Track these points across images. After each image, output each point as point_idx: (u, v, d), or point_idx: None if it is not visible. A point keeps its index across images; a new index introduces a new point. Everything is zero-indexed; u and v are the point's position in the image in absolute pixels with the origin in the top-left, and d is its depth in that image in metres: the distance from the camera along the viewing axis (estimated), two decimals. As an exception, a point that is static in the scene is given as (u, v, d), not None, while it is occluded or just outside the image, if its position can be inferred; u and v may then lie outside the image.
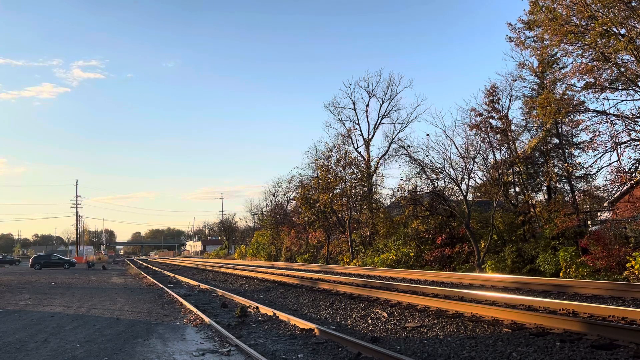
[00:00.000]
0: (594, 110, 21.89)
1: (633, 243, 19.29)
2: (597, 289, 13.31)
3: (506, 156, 27.73)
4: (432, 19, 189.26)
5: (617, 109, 21.39)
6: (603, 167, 22.42)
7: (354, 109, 44.78)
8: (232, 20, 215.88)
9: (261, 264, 47.55)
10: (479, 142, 28.49)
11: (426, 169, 30.59)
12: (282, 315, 12.15)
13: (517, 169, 27.48)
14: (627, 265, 17.03)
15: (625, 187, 22.22)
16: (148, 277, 32.10)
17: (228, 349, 8.86)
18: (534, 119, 25.66)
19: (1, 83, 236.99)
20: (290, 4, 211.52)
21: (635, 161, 21.06)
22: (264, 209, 74.36)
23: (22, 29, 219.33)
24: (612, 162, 21.77)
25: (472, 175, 29.62)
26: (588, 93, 21.53)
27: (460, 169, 29.08)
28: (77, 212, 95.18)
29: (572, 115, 23.11)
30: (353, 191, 41.39)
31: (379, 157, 42.51)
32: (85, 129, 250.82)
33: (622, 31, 18.90)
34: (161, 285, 24.31)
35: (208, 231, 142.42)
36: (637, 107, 21.15)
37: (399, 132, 42.61)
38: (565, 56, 22.75)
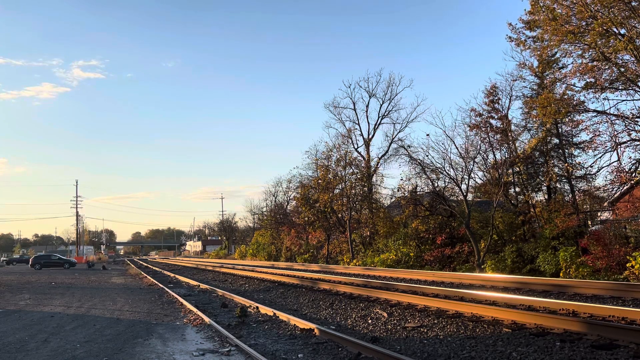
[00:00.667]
0: (594, 110, 21.90)
1: (633, 243, 19.29)
2: (597, 289, 13.31)
3: (506, 156, 27.74)
4: (432, 19, 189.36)
5: (617, 109, 21.42)
6: (603, 167, 22.45)
7: (354, 109, 44.84)
8: (232, 20, 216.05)
9: (261, 264, 47.55)
10: (479, 142, 28.54)
11: (426, 169, 30.61)
12: (282, 315, 12.15)
13: (517, 169, 27.48)
14: (627, 265, 17.04)
15: (625, 187, 22.22)
16: (148, 277, 32.11)
17: (228, 349, 8.86)
18: (534, 119, 25.68)
19: (1, 83, 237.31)
20: (290, 4, 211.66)
21: (635, 161, 21.07)
22: (264, 209, 74.44)
23: (22, 28, 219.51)
24: (612, 162, 21.81)
25: (472, 175, 29.67)
26: (588, 93, 21.55)
27: (460, 169, 29.12)
28: (77, 212, 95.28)
29: (572, 115, 23.12)
30: (353, 191, 41.40)
31: (379, 157, 42.57)
32: (85, 129, 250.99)
33: (622, 31, 18.90)
34: (161, 285, 24.32)
35: (208, 231, 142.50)
36: (637, 107, 21.18)
37: (399, 132, 42.68)
38: (565, 56, 22.78)
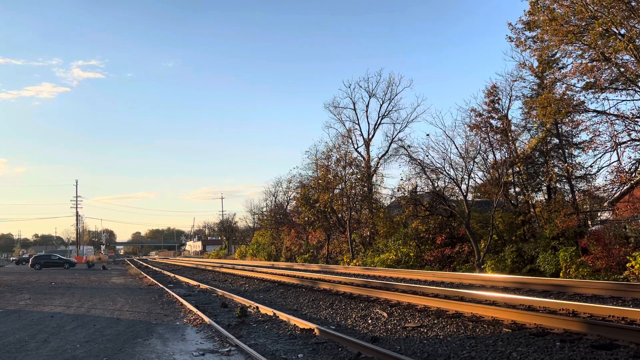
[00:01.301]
0: (594, 110, 21.89)
1: (633, 243, 19.28)
2: (597, 289, 13.31)
3: (506, 156, 27.73)
4: (432, 19, 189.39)
5: (617, 109, 21.41)
6: (603, 167, 22.45)
7: (354, 109, 44.82)
8: (232, 20, 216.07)
9: (261, 264, 47.55)
10: (479, 142, 28.52)
11: (426, 169, 30.59)
12: (282, 315, 12.15)
13: (517, 169, 27.47)
14: (627, 265, 17.03)
15: (625, 187, 22.22)
16: (148, 277, 32.10)
17: (228, 349, 8.86)
18: (534, 119, 25.67)
19: (1, 83, 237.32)
20: (290, 3, 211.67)
21: (635, 161, 21.07)
22: (264, 209, 74.45)
23: (22, 28, 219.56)
24: (612, 162, 21.80)
25: (472, 175, 29.65)
26: (588, 93, 21.55)
27: (460, 169, 29.11)
28: (77, 212, 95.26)
29: (572, 115, 23.11)
30: (353, 191, 41.39)
31: (379, 157, 42.54)
32: (85, 129, 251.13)
33: (622, 31, 18.89)
34: (161, 285, 24.31)
35: (208, 231, 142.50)
36: (637, 107, 21.17)
37: (399, 132, 42.62)
38: (565, 56, 22.79)
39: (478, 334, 8.99)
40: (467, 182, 29.13)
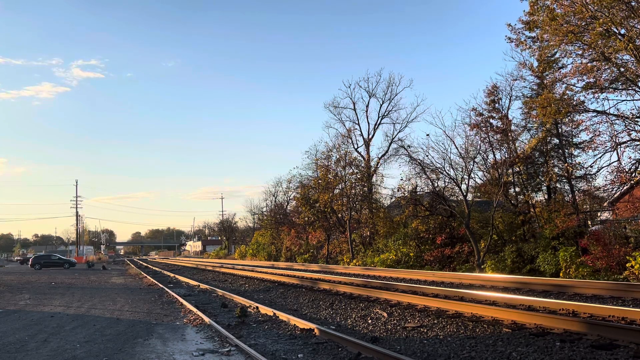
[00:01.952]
0: (594, 110, 21.88)
1: (633, 243, 19.27)
2: (597, 289, 13.31)
3: (506, 156, 27.72)
4: (432, 19, 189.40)
5: (617, 109, 21.39)
6: (603, 167, 22.41)
7: (354, 109, 44.82)
8: (232, 19, 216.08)
9: (261, 264, 47.55)
10: (479, 142, 28.51)
11: (426, 169, 30.58)
12: (282, 315, 12.15)
13: (517, 169, 27.46)
14: (627, 265, 17.03)
15: (625, 187, 22.20)
16: (148, 277, 32.10)
17: (228, 349, 8.86)
18: (534, 119, 25.64)
19: (0, 82, 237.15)
20: (290, 3, 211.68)
21: (635, 161, 21.05)
22: (264, 209, 74.44)
23: (22, 28, 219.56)
24: (612, 162, 21.77)
25: (472, 175, 29.63)
26: (588, 93, 21.51)
27: (460, 169, 29.10)
28: (77, 212, 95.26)
29: (572, 115, 23.10)
30: (353, 191, 41.39)
31: (379, 157, 42.54)
32: (85, 129, 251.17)
33: (622, 31, 18.88)
34: (161, 285, 24.31)
35: (208, 231, 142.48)
36: (637, 107, 21.15)
37: (399, 132, 42.62)
38: (565, 56, 22.73)
39: (478, 334, 8.99)
40: (467, 182, 29.14)
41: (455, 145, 31.73)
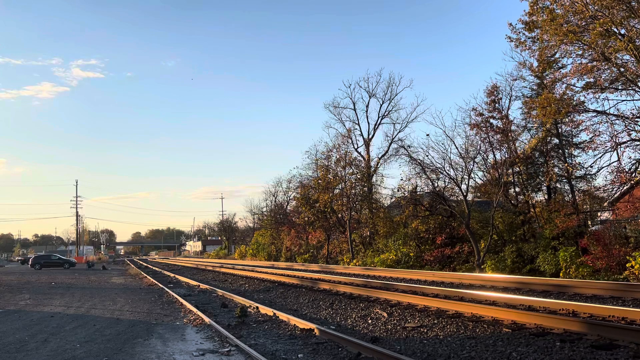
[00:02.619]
0: (594, 111, 21.88)
1: (633, 243, 19.27)
2: (597, 289, 13.31)
3: (506, 156, 27.72)
4: (432, 19, 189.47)
5: (617, 109, 21.38)
6: (603, 167, 22.42)
7: (354, 109, 44.82)
8: (232, 19, 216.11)
9: (261, 264, 47.55)
10: (479, 142, 28.49)
11: (426, 169, 30.57)
12: (282, 315, 12.15)
13: (517, 169, 27.47)
14: (627, 265, 17.02)
15: (625, 187, 22.19)
16: (148, 277, 32.10)
17: (228, 349, 8.86)
18: (534, 119, 25.65)
19: (0, 82, 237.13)
20: (291, 3, 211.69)
21: (635, 161, 21.06)
22: (264, 209, 74.44)
23: (21, 27, 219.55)
24: (612, 162, 21.77)
25: (472, 175, 29.63)
26: (588, 93, 21.51)
27: (460, 169, 29.09)
28: (77, 212, 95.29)
29: (572, 115, 23.09)
30: (353, 191, 41.39)
31: (379, 157, 42.51)
32: (85, 129, 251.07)
33: (622, 31, 18.88)
34: (161, 285, 24.31)
35: (208, 231, 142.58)
36: (637, 107, 21.15)
37: (399, 132, 42.57)
38: (565, 56, 22.73)
39: (478, 334, 8.99)
40: (467, 182, 29.14)
41: (455, 145, 31.72)
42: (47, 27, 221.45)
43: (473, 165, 29.15)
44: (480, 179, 31.70)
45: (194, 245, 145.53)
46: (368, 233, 40.53)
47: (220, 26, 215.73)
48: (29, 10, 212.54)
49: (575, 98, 21.99)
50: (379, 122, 44.15)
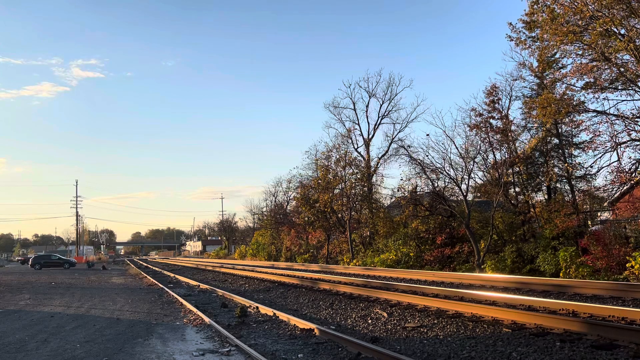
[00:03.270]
0: (594, 110, 21.88)
1: (633, 243, 19.28)
2: (597, 289, 13.31)
3: (506, 156, 27.72)
4: (432, 18, 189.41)
5: (617, 109, 21.38)
6: (603, 167, 22.42)
7: (354, 109, 44.84)
8: (232, 19, 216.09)
9: (261, 264, 47.56)
10: (479, 142, 28.51)
11: (426, 169, 30.58)
12: (282, 315, 12.15)
13: (517, 169, 27.47)
14: (627, 265, 17.03)
15: (625, 187, 22.20)
16: (148, 277, 32.10)
17: (228, 349, 8.86)
18: (534, 119, 25.65)
19: (0, 82, 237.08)
20: (291, 3, 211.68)
21: (635, 161, 21.06)
22: (264, 209, 74.49)
23: (21, 27, 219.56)
24: (612, 162, 21.77)
25: (472, 175, 29.63)
26: (588, 93, 21.53)
27: (460, 169, 29.11)
28: (77, 212, 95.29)
29: (572, 115, 23.09)
30: (353, 191, 41.39)
31: (379, 157, 42.54)
32: (85, 129, 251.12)
33: (622, 31, 18.88)
34: (161, 285, 24.31)
35: (208, 231, 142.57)
36: (637, 107, 21.15)
37: (399, 132, 42.61)
38: (565, 56, 22.74)
39: (478, 334, 8.99)
40: (467, 182, 29.15)
41: (455, 145, 31.73)
42: (47, 27, 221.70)
43: (473, 165, 29.19)
44: (480, 179, 31.73)
45: (194, 245, 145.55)
46: (368, 233, 40.53)
47: (220, 26, 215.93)
48: (28, 10, 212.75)
49: (575, 98, 22.01)
50: (379, 122, 44.23)
